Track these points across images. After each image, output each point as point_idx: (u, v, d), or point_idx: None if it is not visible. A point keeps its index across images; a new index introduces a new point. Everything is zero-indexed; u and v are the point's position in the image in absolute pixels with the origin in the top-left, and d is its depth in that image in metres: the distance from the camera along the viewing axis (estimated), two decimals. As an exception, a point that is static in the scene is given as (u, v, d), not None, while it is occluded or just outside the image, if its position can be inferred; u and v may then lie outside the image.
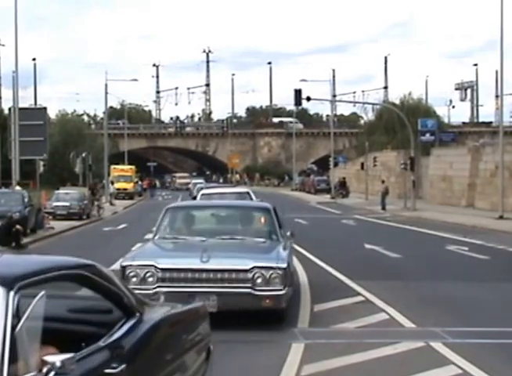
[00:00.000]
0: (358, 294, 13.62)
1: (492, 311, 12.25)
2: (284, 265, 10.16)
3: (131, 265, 10.36)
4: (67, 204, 36.46)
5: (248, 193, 24.22)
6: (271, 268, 10.05)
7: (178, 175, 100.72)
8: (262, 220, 12.45)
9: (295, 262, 18.54)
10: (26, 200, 28.12)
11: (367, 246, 22.89)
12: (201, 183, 53.85)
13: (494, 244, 23.60)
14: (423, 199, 51.08)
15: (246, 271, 10.01)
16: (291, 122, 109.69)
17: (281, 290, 10.03)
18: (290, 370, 8.32)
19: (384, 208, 44.75)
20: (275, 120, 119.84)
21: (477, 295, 14.00)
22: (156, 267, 10.19)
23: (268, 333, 9.73)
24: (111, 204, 52.91)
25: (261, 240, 11.62)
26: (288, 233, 12.64)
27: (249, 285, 9.97)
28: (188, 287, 9.91)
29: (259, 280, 9.97)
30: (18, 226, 23.22)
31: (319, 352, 9.14)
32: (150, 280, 10.16)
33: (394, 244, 23.77)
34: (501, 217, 34.35)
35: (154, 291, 9.58)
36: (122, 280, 9.40)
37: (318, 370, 8.34)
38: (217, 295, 9.90)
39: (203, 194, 23.79)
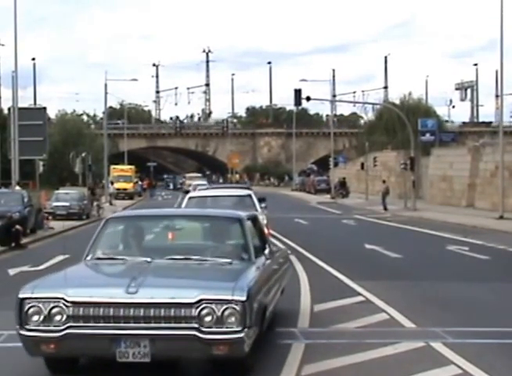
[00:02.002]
0: (359, 294, 13.61)
1: (493, 311, 12.23)
2: (243, 298, 7.40)
3: (31, 298, 7.65)
4: (67, 204, 36.47)
5: (250, 196, 20.96)
6: (224, 301, 7.40)
7: (188, 175, 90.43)
8: (231, 235, 9.48)
9: (295, 262, 18.59)
10: (25, 200, 28.10)
11: (367, 246, 22.88)
12: (203, 185, 46.78)
13: (494, 244, 23.58)
14: (423, 199, 51.08)
15: (189, 305, 7.39)
16: None
17: (239, 332, 7.40)
18: (291, 370, 8.32)
19: (385, 208, 44.74)
20: None
21: (477, 295, 13.98)
22: (65, 300, 7.54)
23: (268, 333, 9.69)
24: (111, 204, 52.92)
25: (226, 260, 8.67)
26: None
27: (194, 325, 7.37)
28: (109, 328, 7.42)
29: (208, 319, 7.38)
30: (18, 226, 23.21)
31: (319, 352, 9.13)
32: (57, 318, 7.54)
33: (395, 244, 23.75)
34: (501, 217, 34.34)
35: (63, 333, 7.44)
36: (19, 317, 7.60)
37: (318, 370, 8.33)
38: (149, 340, 7.43)
39: (190, 198, 20.62)
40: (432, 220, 35.82)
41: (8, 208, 25.45)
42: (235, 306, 7.39)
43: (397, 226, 32.90)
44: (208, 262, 8.69)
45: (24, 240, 24.27)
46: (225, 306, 7.40)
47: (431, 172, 52.33)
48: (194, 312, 7.38)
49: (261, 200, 24.85)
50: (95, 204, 41.64)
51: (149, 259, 8.66)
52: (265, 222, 17.62)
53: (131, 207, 53.04)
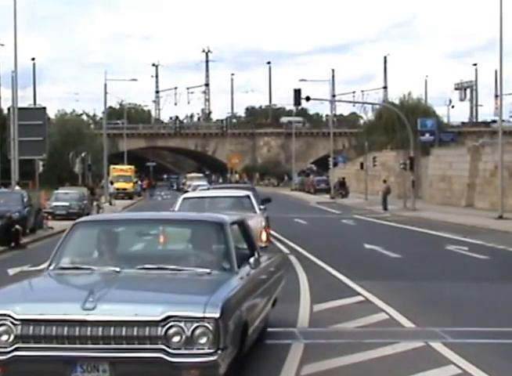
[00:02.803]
0: (358, 294, 13.62)
1: (492, 311, 12.24)
2: (216, 314, 6.45)
3: None
4: (67, 203, 36.47)
5: (248, 196, 19.44)
6: (195, 319, 6.46)
7: (189, 175, 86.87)
8: (211, 241, 8.36)
9: (294, 262, 18.61)
10: (25, 200, 28.10)
11: (367, 246, 22.88)
12: (204, 185, 43.62)
13: (494, 243, 23.59)
14: (422, 199, 51.08)
15: (155, 324, 6.46)
16: (299, 122, 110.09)
17: (212, 354, 6.46)
18: (290, 369, 8.33)
19: (385, 208, 44.73)
20: (285, 119, 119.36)
21: (476, 295, 14.00)
22: (12, 317, 6.58)
23: (267, 333, 9.71)
24: (110, 203, 52.92)
25: (205, 270, 7.68)
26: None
27: (161, 347, 6.45)
28: (63, 349, 6.48)
29: (176, 339, 6.46)
30: (17, 226, 23.22)
31: (318, 352, 9.14)
32: (3, 338, 6.60)
33: (394, 243, 23.76)
34: (500, 217, 34.35)
35: (10, 355, 6.52)
36: None
37: (317, 370, 8.34)
38: (109, 363, 6.51)
39: (185, 199, 18.98)
40: (431, 220, 35.83)
41: (7, 208, 25.44)
42: (207, 324, 6.43)
43: (396, 226, 32.91)
44: (184, 272, 7.66)
45: (24, 240, 24.28)
46: (195, 324, 6.44)
47: (431, 172, 52.34)
48: (160, 331, 6.44)
49: (264, 201, 24.29)
50: (94, 203, 41.65)
51: (118, 269, 7.69)
52: (263, 224, 17.06)
53: (130, 206, 53.11)
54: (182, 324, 6.44)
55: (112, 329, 6.46)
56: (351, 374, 8.33)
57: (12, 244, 22.90)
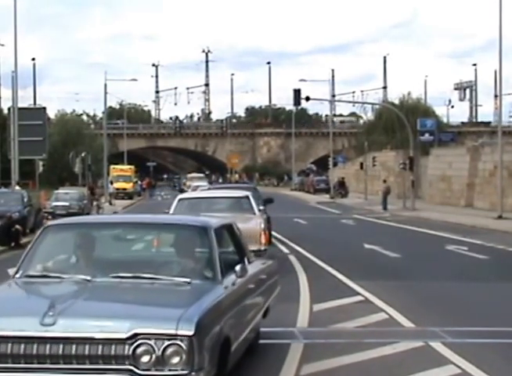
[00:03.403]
0: (358, 293, 13.64)
1: (492, 311, 12.26)
2: (190, 331, 5.76)
3: None
4: (67, 203, 36.46)
5: (247, 197, 18.59)
6: (166, 336, 5.78)
7: (189, 176, 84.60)
8: (193, 248, 7.64)
9: (294, 261, 18.63)
10: (25, 200, 28.10)
11: (366, 246, 22.90)
12: (204, 186, 39.87)
13: (493, 243, 23.61)
14: (422, 199, 51.10)
15: (121, 341, 5.80)
16: (351, 121, 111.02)
17: None
18: (290, 369, 8.34)
19: (385, 208, 44.76)
20: (337, 120, 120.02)
21: (476, 295, 14.02)
22: None
23: (267, 332, 9.73)
24: (110, 203, 52.94)
25: (184, 280, 6.95)
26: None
27: (128, 367, 5.80)
28: (19, 369, 5.83)
29: (145, 359, 5.80)
30: (17, 226, 23.23)
31: (318, 351, 9.15)
32: None
33: (394, 243, 23.78)
34: (500, 217, 34.37)
35: None
36: None
37: (317, 369, 8.35)
38: None
39: (181, 200, 17.99)
40: (431, 220, 35.85)
41: (7, 208, 25.45)
42: (180, 343, 5.75)
43: (396, 226, 32.93)
44: (162, 281, 6.92)
45: (24, 240, 24.26)
46: (167, 343, 5.76)
47: (430, 172, 52.35)
48: (127, 350, 5.76)
49: (267, 201, 23.99)
50: (94, 203, 41.67)
51: (89, 277, 6.98)
52: (262, 226, 16.37)
53: (130, 206, 53.13)
54: (151, 342, 5.76)
55: (74, 347, 5.79)
56: (350, 373, 8.34)
57: (12, 244, 22.90)
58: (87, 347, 5.79)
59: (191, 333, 5.77)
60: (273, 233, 23.61)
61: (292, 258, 19.68)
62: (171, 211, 17.03)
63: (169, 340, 5.77)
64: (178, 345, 5.76)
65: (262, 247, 15.66)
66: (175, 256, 7.67)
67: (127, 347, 5.77)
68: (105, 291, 6.89)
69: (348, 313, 11.63)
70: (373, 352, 9.10)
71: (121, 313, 6.13)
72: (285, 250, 21.82)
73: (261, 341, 9.20)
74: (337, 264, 17.89)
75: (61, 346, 5.80)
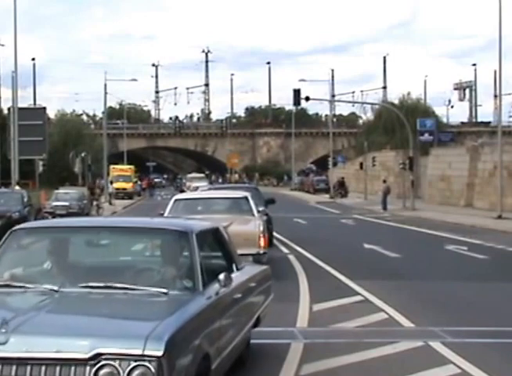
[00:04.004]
0: (358, 293, 13.65)
1: (491, 310, 12.28)
2: (159, 352, 5.12)
3: None
4: (67, 203, 36.46)
5: (246, 198, 17.88)
6: (132, 357, 5.13)
7: (189, 176, 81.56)
8: (172, 255, 7.03)
9: (294, 261, 18.64)
10: (25, 199, 28.09)
11: (366, 246, 22.91)
12: (205, 187, 37.64)
13: (493, 243, 23.62)
14: (421, 199, 51.12)
15: (82, 362, 5.16)
16: None
17: None
18: (289, 369, 8.34)
19: (385, 208, 44.78)
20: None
21: (475, 295, 14.04)
22: None
23: (267, 332, 9.74)
24: (110, 203, 52.96)
25: (161, 290, 6.32)
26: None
27: None
28: None
29: None
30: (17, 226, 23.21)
31: (318, 351, 9.15)
32: None
33: (394, 243, 23.79)
34: (500, 217, 34.39)
35: None
36: None
37: (317, 369, 8.35)
38: None
39: (177, 200, 17.35)
40: (431, 220, 35.87)
41: (7, 208, 25.45)
42: (147, 364, 5.11)
43: (396, 226, 32.94)
44: (136, 292, 6.27)
45: (24, 240, 24.27)
46: (133, 364, 5.12)
47: (430, 172, 52.37)
48: (89, 372, 5.12)
49: (268, 202, 23.80)
50: (94, 203, 41.69)
51: (56, 287, 6.33)
52: (261, 228, 15.72)
53: (130, 206, 53.14)
54: (116, 364, 5.12)
55: (28, 368, 5.13)
56: (350, 373, 8.35)
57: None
58: (43, 369, 5.14)
59: (160, 353, 5.11)
60: (274, 233, 23.54)
61: (292, 257, 19.70)
62: (166, 212, 16.55)
63: (135, 361, 5.11)
64: (145, 366, 5.11)
65: (261, 251, 15.17)
66: (152, 264, 7.07)
67: (88, 369, 5.12)
68: (70, 303, 6.22)
69: (348, 313, 11.64)
70: (372, 351, 9.11)
71: (83, 330, 5.41)
72: (285, 250, 21.83)
73: (261, 341, 9.21)
74: (336, 264, 17.91)
75: (14, 368, 5.14)
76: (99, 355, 5.12)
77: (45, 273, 6.90)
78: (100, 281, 6.41)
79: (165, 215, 16.21)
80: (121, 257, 7.42)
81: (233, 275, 7.32)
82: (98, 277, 6.53)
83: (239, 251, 14.02)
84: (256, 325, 8.51)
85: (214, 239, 7.85)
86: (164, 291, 6.30)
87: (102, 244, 7.51)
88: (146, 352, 5.10)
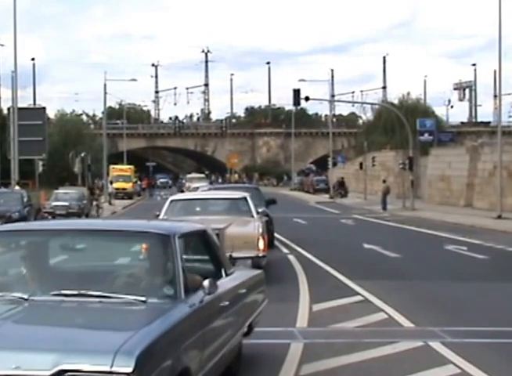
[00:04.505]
0: (357, 293, 13.65)
1: (491, 311, 12.28)
2: (128, 368, 4.66)
3: None
4: (66, 203, 36.46)
5: (245, 199, 17.24)
6: (99, 374, 4.69)
7: (188, 176, 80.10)
8: (152, 260, 6.51)
9: (293, 261, 18.64)
10: (25, 199, 28.13)
11: (366, 246, 22.92)
12: (205, 187, 35.03)
13: (492, 243, 23.63)
14: (421, 199, 51.13)
15: None
16: None
17: None
18: (289, 369, 8.34)
19: (384, 208, 44.79)
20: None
21: (475, 295, 14.04)
22: None
23: (267, 332, 9.75)
24: (110, 203, 52.96)
25: (139, 298, 5.83)
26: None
27: None
28: None
29: None
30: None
31: (317, 351, 9.15)
32: None
33: (393, 243, 23.79)
34: (499, 217, 34.40)
35: None
36: None
37: (317, 369, 8.36)
38: None
39: (173, 201, 16.76)
40: (430, 220, 35.87)
41: (7, 208, 25.51)
42: None
43: (395, 226, 32.95)
44: (112, 300, 5.79)
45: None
46: None
47: (430, 172, 52.38)
48: None
49: (269, 202, 23.53)
50: (94, 203, 41.69)
51: (26, 296, 5.87)
52: (260, 230, 15.16)
53: (130, 206, 53.15)
54: None
55: None
56: (350, 373, 8.35)
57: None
58: None
59: (129, 370, 4.65)
60: (274, 234, 23.38)
61: (291, 257, 19.71)
62: (162, 213, 16.06)
63: None
64: None
65: (260, 254, 14.65)
66: (130, 269, 6.53)
67: None
68: (38, 313, 5.72)
69: (348, 313, 11.65)
70: (372, 351, 9.11)
71: (48, 344, 4.94)
72: (284, 250, 21.83)
73: (261, 341, 9.22)
74: (336, 264, 17.91)
75: None
76: (62, 372, 4.67)
77: (16, 280, 6.42)
78: (74, 289, 5.93)
79: (161, 216, 15.80)
80: (98, 262, 6.95)
81: (222, 280, 7.04)
82: (72, 284, 6.06)
83: (238, 254, 13.84)
84: (248, 333, 8.10)
85: (200, 242, 7.39)
86: (143, 299, 5.81)
87: (77, 249, 6.96)
88: (114, 369, 4.64)
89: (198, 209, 16.78)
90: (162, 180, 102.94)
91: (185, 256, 6.58)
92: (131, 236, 6.68)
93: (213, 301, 6.45)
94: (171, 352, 5.27)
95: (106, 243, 6.83)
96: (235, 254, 13.68)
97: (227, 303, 6.93)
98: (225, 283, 7.12)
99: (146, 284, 6.17)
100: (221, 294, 6.71)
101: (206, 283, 6.23)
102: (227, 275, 7.46)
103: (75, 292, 5.89)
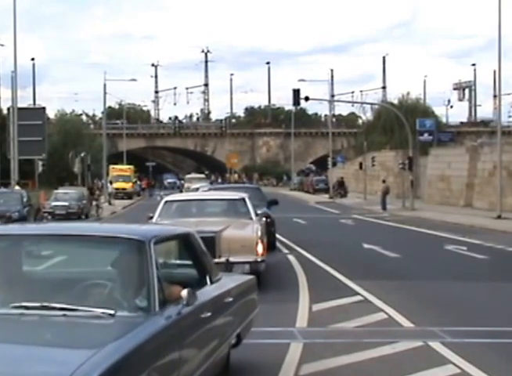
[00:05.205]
0: (357, 293, 13.65)
1: (491, 310, 12.28)
2: None
3: None
4: (66, 203, 36.50)
5: (243, 200, 16.39)
6: None
7: (187, 176, 79.13)
8: (124, 268, 5.83)
9: (293, 261, 18.64)
10: (25, 199, 28.15)
11: (366, 246, 22.91)
12: (205, 188, 34.05)
13: (492, 243, 23.62)
14: (421, 199, 51.12)
15: None
16: None
17: None
18: (289, 369, 8.33)
19: (384, 208, 44.80)
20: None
21: (475, 295, 14.04)
22: None
23: (266, 332, 9.75)
24: (110, 203, 52.96)
25: (107, 311, 5.19)
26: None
27: None
28: None
29: None
30: (17, 226, 23.22)
31: (317, 351, 9.15)
32: None
33: (393, 243, 23.79)
34: (499, 217, 34.39)
35: None
36: None
37: (316, 369, 8.35)
38: None
39: (167, 202, 15.94)
40: (430, 220, 35.87)
41: (7, 208, 25.53)
42: None
43: (395, 226, 32.94)
44: (77, 313, 5.17)
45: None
46: None
47: (429, 172, 52.38)
48: None
49: (271, 203, 23.09)
50: (93, 203, 41.70)
51: None
52: (259, 234, 14.23)
53: (130, 206, 53.14)
54: None
55: None
56: (349, 373, 8.35)
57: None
58: None
59: None
60: (276, 235, 22.85)
61: (291, 257, 19.70)
62: (156, 215, 15.40)
63: None
64: None
65: (259, 258, 13.81)
66: (100, 279, 5.81)
67: None
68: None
69: (347, 313, 11.64)
70: (372, 351, 9.11)
71: (7, 363, 4.31)
72: (284, 250, 21.83)
73: (261, 341, 9.22)
74: (336, 264, 17.91)
75: None
76: None
77: None
78: (37, 300, 5.29)
79: (154, 218, 15.25)
80: (64, 271, 6.29)
81: (206, 289, 6.54)
82: (35, 295, 5.46)
83: (235, 259, 13.40)
84: (237, 344, 7.55)
85: (182, 247, 6.78)
86: (111, 312, 5.17)
87: (43, 256, 6.34)
88: None
89: (194, 211, 16.02)
90: (170, 181, 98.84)
91: (164, 263, 6.15)
92: (101, 241, 5.99)
93: (193, 312, 5.82)
94: (141, 371, 4.66)
95: (74, 249, 6.19)
96: (232, 259, 13.30)
97: (209, 314, 6.25)
98: (209, 292, 6.57)
99: (116, 296, 5.52)
100: (203, 305, 6.12)
101: (184, 293, 5.61)
102: (212, 282, 6.84)
103: (37, 304, 5.25)
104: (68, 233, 6.27)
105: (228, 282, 7.42)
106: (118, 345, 4.59)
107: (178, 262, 6.99)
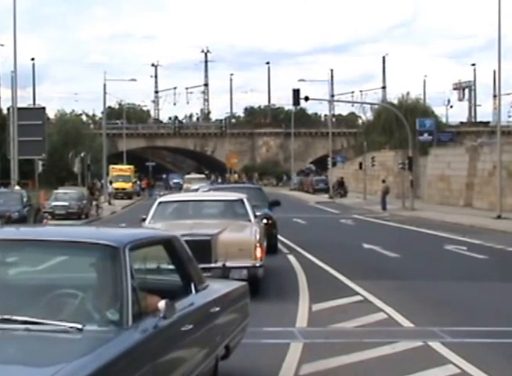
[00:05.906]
0: (357, 293, 13.65)
1: (491, 310, 12.28)
2: None
3: None
4: (66, 203, 36.51)
5: (242, 201, 15.58)
6: None
7: (187, 177, 77.98)
8: (94, 276, 5.34)
9: (293, 261, 18.64)
10: (25, 199, 28.12)
11: (365, 245, 22.92)
12: (205, 188, 32.79)
13: (492, 243, 23.63)
14: (421, 199, 51.14)
15: None
16: None
17: None
18: (289, 369, 8.33)
19: (384, 208, 44.81)
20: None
21: (475, 295, 14.04)
22: None
23: (266, 332, 9.75)
24: (110, 203, 52.96)
25: (73, 325, 4.68)
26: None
27: None
28: None
29: None
30: (17, 226, 23.23)
31: (317, 351, 9.15)
32: None
33: (393, 243, 23.80)
34: (499, 217, 34.40)
35: None
36: None
37: (316, 369, 8.35)
38: None
39: (161, 203, 15.41)
40: (430, 220, 35.87)
41: (7, 208, 25.50)
42: None
43: (395, 226, 32.95)
44: (41, 327, 4.67)
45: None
46: None
47: (429, 172, 52.39)
48: None
49: (273, 204, 22.64)
50: (93, 203, 41.71)
51: None
52: (257, 237, 13.51)
53: (129, 206, 53.14)
54: None
55: None
56: (349, 373, 8.35)
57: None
58: None
59: None
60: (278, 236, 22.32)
61: (291, 257, 19.71)
62: (149, 217, 14.82)
63: None
64: None
65: (257, 263, 13.09)
66: (68, 289, 5.23)
67: None
68: None
69: (347, 313, 11.65)
70: (372, 351, 9.11)
71: None
72: (284, 250, 21.83)
73: (261, 341, 9.22)
74: (335, 264, 17.91)
75: None
76: None
77: None
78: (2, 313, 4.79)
79: (147, 220, 14.72)
80: (28, 280, 5.69)
81: (189, 298, 6.07)
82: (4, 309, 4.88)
83: (232, 263, 12.74)
84: (225, 356, 7.02)
85: (164, 253, 6.18)
86: (78, 326, 4.67)
87: (6, 263, 5.69)
88: None
89: (189, 212, 15.36)
90: (175, 181, 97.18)
91: (142, 271, 5.73)
92: (70, 247, 5.42)
93: (172, 325, 5.32)
94: None
95: (40, 255, 5.59)
96: (229, 264, 12.71)
97: (191, 326, 5.73)
98: (193, 302, 6.09)
99: (86, 308, 4.99)
100: (184, 316, 5.63)
101: (161, 304, 5.13)
102: (198, 291, 6.32)
103: (3, 318, 4.74)
104: (36, 238, 5.67)
105: (215, 290, 6.85)
106: (83, 363, 4.17)
107: (159, 269, 6.51)
